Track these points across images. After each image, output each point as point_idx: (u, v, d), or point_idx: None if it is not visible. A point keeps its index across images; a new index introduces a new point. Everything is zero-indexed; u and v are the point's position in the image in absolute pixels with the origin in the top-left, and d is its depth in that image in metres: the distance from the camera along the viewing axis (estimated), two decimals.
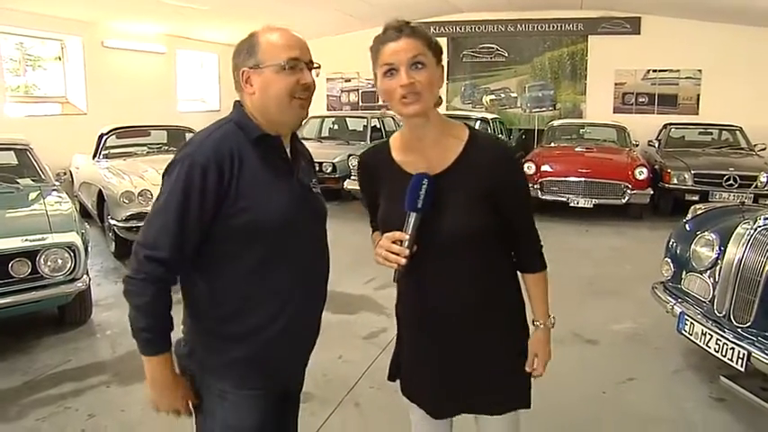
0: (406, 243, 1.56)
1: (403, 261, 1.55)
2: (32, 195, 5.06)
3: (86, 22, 10.66)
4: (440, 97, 1.61)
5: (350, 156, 9.33)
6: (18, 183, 5.29)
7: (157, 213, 1.54)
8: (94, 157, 7.56)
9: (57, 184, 5.50)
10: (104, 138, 7.67)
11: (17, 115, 9.87)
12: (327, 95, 15.18)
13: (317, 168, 9.33)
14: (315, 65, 1.64)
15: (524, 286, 1.78)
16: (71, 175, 8.11)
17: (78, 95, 11.15)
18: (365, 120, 11.43)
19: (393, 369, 1.88)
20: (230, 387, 1.64)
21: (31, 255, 3.90)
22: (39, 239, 3.96)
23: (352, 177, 9.12)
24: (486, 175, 1.58)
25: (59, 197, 5.02)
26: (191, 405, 1.68)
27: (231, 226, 1.55)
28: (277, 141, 1.63)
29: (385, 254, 1.58)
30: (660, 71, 12.76)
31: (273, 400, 1.71)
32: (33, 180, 5.41)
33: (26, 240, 3.93)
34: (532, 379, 1.80)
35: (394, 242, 1.57)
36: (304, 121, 1.68)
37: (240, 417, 1.65)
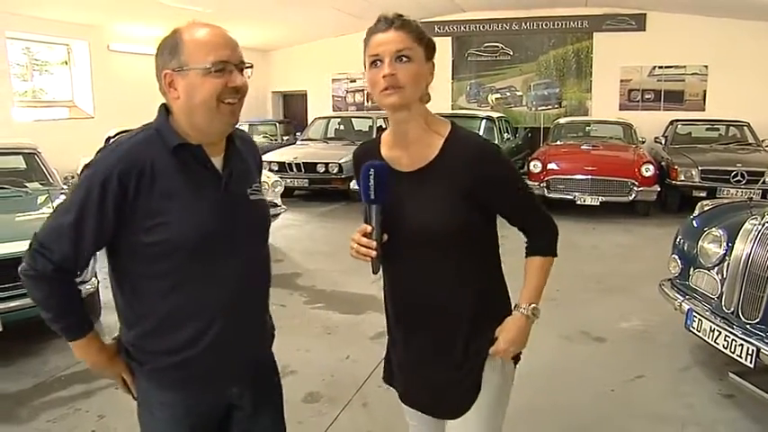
0: (373, 235, 1.55)
1: (372, 253, 1.55)
2: (41, 199, 5.11)
3: (92, 25, 10.73)
4: (428, 94, 1.58)
5: None
6: (27, 187, 5.32)
7: (57, 214, 1.48)
8: None
9: (65, 187, 5.53)
10: (111, 141, 7.70)
11: (25, 120, 9.95)
12: (333, 96, 15.24)
13: (324, 169, 9.48)
14: (246, 65, 1.50)
15: (526, 270, 1.72)
16: (79, 178, 8.16)
17: (85, 99, 11.22)
18: (371, 120, 11.44)
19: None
20: (158, 399, 1.59)
21: None
22: None
23: None
24: (464, 173, 1.54)
25: None
26: (131, 388, 1.64)
27: (144, 243, 1.45)
28: (198, 151, 1.50)
29: (356, 247, 1.58)
30: (666, 67, 12.72)
31: (207, 418, 1.63)
32: (42, 184, 5.44)
33: None
34: (507, 368, 1.72)
35: (364, 235, 1.57)
36: (234, 126, 1.55)
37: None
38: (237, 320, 1.57)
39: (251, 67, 1.52)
